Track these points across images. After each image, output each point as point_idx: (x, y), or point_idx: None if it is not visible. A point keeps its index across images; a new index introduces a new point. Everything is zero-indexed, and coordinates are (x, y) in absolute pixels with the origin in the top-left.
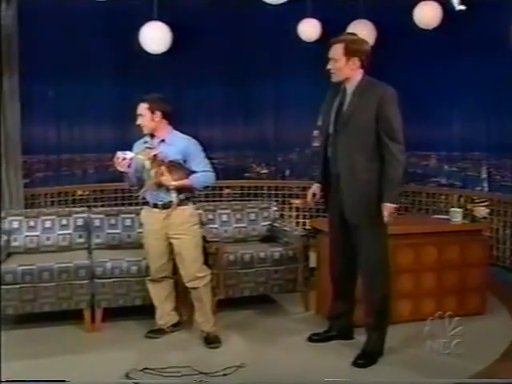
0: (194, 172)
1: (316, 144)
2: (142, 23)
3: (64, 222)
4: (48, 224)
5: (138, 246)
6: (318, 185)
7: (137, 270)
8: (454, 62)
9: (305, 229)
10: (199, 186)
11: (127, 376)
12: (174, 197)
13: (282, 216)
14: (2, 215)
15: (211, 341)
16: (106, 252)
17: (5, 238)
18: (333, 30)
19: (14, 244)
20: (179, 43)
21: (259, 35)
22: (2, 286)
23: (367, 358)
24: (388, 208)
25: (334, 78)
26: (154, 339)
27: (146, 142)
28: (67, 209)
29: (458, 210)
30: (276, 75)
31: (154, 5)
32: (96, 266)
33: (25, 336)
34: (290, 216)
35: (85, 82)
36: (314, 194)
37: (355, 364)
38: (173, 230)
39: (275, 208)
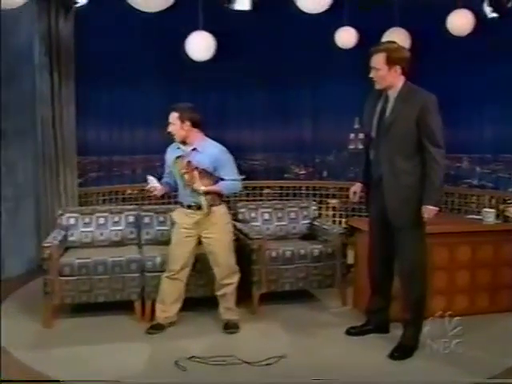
0: (222, 179)
1: (352, 146)
2: (188, 33)
3: (116, 218)
4: (102, 220)
5: None
6: (360, 184)
7: None
8: (486, 67)
9: (341, 227)
10: (227, 192)
11: (176, 364)
12: (204, 199)
13: (319, 215)
14: (60, 212)
15: (230, 326)
16: (155, 247)
17: (63, 233)
18: (369, 37)
19: (70, 239)
20: (223, 51)
21: (298, 43)
22: (61, 278)
23: (403, 351)
24: (429, 210)
25: (377, 86)
26: (155, 334)
27: (178, 148)
28: (119, 206)
29: (491, 210)
30: (314, 81)
31: (200, 15)
32: (146, 261)
33: (81, 324)
34: (327, 215)
35: (135, 89)
36: (355, 192)
37: (391, 356)
38: (205, 230)
39: (314, 207)
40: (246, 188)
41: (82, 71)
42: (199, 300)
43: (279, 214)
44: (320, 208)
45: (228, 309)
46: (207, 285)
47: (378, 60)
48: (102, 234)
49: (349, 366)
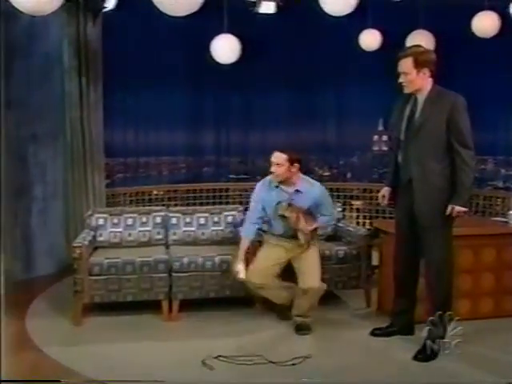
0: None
1: (376, 148)
2: (213, 36)
3: (144, 219)
4: (130, 221)
5: (211, 242)
6: (388, 188)
7: (211, 265)
8: (511, 69)
9: (365, 229)
10: (325, 226)
11: (203, 363)
12: (304, 237)
13: (343, 216)
14: (90, 212)
15: (302, 328)
16: (182, 248)
17: (92, 233)
18: (393, 39)
19: (99, 239)
20: (248, 54)
21: (322, 45)
22: (91, 277)
23: (428, 352)
24: (457, 210)
25: (407, 90)
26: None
27: (277, 187)
28: (147, 207)
29: None
30: (338, 83)
31: (225, 19)
32: (173, 261)
33: (109, 322)
34: (351, 216)
35: (161, 92)
36: (384, 196)
37: (416, 358)
38: (296, 254)
39: (339, 209)
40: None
41: (110, 74)
42: (226, 300)
43: None
44: (344, 209)
45: (301, 312)
46: (234, 285)
47: (405, 64)
48: (130, 235)
49: (373, 367)
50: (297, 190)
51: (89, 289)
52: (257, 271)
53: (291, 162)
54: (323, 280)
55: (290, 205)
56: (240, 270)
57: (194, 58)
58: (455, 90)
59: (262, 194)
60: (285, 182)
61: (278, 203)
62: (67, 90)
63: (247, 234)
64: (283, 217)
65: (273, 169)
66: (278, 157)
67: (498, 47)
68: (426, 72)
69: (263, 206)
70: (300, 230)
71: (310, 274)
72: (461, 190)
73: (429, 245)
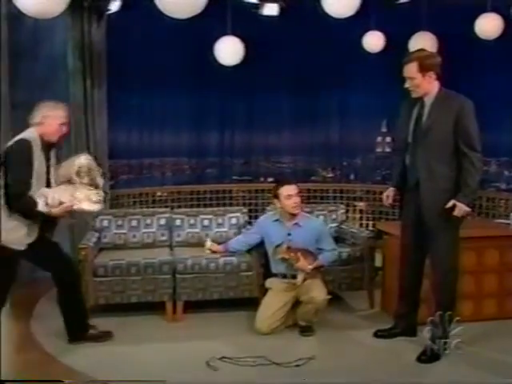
0: (319, 249)
1: (379, 149)
2: (216, 38)
3: (148, 221)
4: (134, 223)
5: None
6: (393, 189)
7: (215, 267)
8: None
9: (368, 230)
10: (327, 263)
11: (208, 364)
12: (302, 275)
13: (346, 218)
14: (94, 214)
15: (305, 330)
16: (186, 249)
17: (96, 234)
18: (396, 41)
19: (104, 240)
20: (251, 56)
21: (326, 47)
22: (96, 279)
23: (431, 354)
24: (460, 208)
25: (415, 95)
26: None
27: (276, 220)
28: (151, 209)
29: None
30: (341, 84)
31: (228, 21)
32: (178, 262)
33: (113, 323)
34: (354, 218)
35: (164, 93)
36: (388, 196)
37: (419, 360)
38: (301, 292)
39: (343, 210)
40: None
41: (114, 76)
42: (230, 301)
43: None
44: (347, 211)
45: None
46: (237, 286)
47: (411, 69)
48: (134, 236)
49: (376, 368)
50: (296, 224)
51: (93, 290)
52: (264, 320)
53: (301, 195)
54: (326, 282)
55: (288, 247)
56: (208, 244)
57: (198, 59)
58: (458, 91)
59: (265, 227)
60: (285, 215)
61: (277, 246)
62: (71, 91)
63: (231, 242)
64: (284, 259)
65: (296, 200)
66: (295, 188)
67: (500, 49)
68: (432, 75)
69: (262, 238)
70: (300, 269)
71: (316, 287)
72: (465, 190)
73: (435, 246)
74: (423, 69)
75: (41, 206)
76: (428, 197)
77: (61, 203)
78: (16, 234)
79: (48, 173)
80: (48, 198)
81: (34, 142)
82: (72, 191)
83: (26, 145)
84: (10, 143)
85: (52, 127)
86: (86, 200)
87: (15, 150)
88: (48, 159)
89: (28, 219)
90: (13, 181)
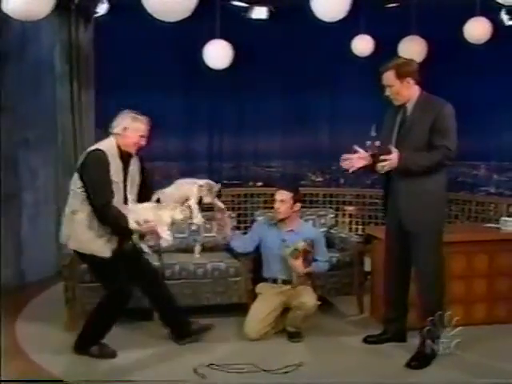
0: (314, 259)
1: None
2: (205, 41)
3: None
4: None
5: (203, 249)
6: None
7: (203, 273)
8: (503, 75)
9: (358, 234)
10: (317, 272)
11: (195, 371)
12: (296, 277)
13: (336, 222)
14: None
15: (294, 335)
16: (174, 255)
17: None
18: (385, 45)
19: None
20: (240, 59)
21: (315, 50)
22: (81, 284)
23: (421, 360)
24: (394, 157)
25: (396, 102)
26: None
27: (271, 225)
28: None
29: (510, 218)
30: (331, 88)
31: (217, 24)
32: (165, 268)
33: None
34: (344, 222)
35: (152, 97)
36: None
37: (409, 365)
38: (289, 294)
39: (332, 215)
40: (263, 195)
41: (102, 79)
42: (218, 307)
43: None
44: (337, 215)
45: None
46: (225, 292)
47: (388, 77)
48: None
49: (366, 374)
50: (291, 230)
51: (80, 296)
52: (253, 325)
53: (294, 200)
54: (315, 287)
55: (296, 249)
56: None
57: (187, 63)
58: (446, 95)
59: (261, 231)
60: (282, 220)
61: (284, 241)
62: (59, 95)
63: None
64: (296, 251)
65: (276, 205)
66: (283, 194)
67: (489, 53)
68: (410, 80)
69: (259, 240)
70: (294, 268)
71: (306, 292)
72: (412, 158)
73: (420, 250)
74: (400, 75)
75: (131, 224)
76: (408, 199)
77: (146, 221)
78: (97, 242)
79: (125, 180)
80: (140, 217)
81: (108, 151)
82: (156, 210)
83: (99, 155)
84: (84, 154)
85: (131, 139)
86: (169, 218)
87: (90, 161)
88: (126, 168)
89: (116, 232)
90: (94, 193)
